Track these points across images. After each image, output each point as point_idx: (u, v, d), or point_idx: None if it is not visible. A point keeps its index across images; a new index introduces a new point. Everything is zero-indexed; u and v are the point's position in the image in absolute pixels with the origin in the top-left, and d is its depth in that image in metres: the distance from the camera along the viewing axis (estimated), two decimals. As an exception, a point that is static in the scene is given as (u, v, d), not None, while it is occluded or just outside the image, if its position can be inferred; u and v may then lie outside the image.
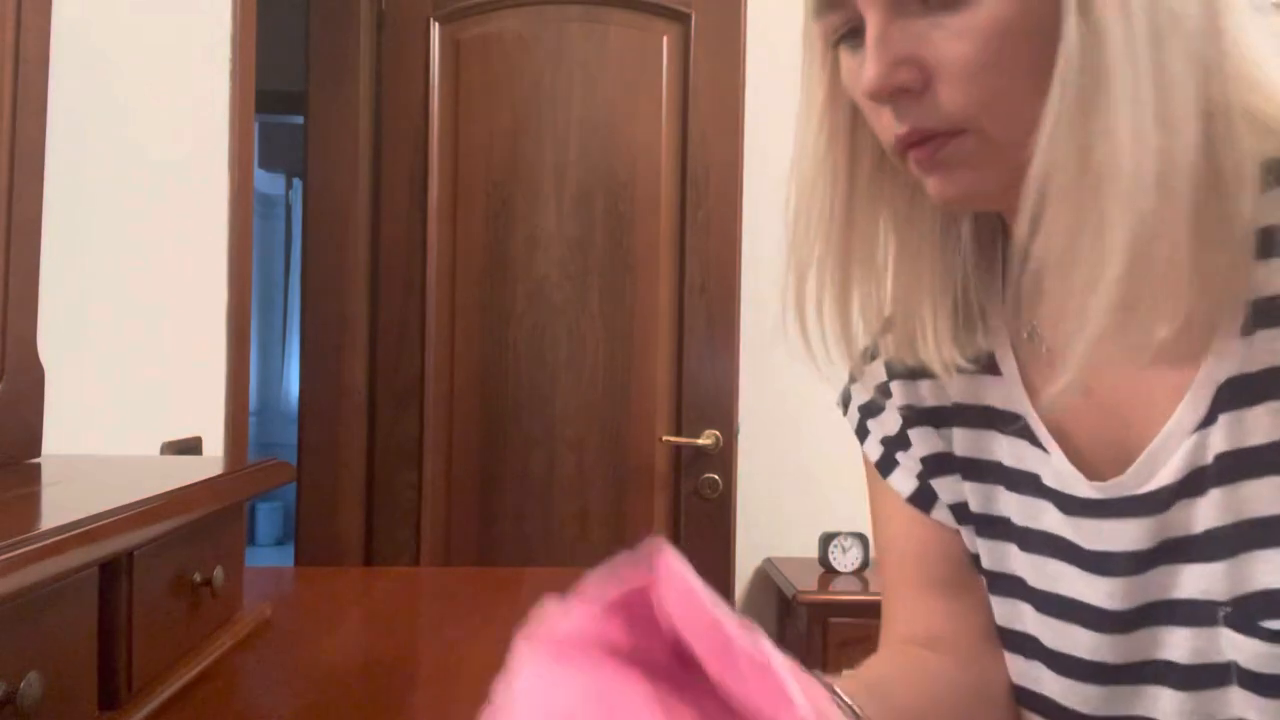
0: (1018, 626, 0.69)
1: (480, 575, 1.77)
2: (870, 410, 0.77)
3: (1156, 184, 0.52)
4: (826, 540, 2.42)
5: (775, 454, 2.56)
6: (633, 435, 2.41)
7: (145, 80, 1.51)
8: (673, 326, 2.42)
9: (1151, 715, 0.63)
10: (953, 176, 0.59)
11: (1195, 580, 0.60)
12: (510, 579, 1.47)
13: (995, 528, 0.70)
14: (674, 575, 0.44)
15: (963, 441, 0.71)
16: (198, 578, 0.96)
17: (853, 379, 0.78)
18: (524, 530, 2.38)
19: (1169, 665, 0.61)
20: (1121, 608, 0.63)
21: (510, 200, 2.40)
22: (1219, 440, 0.58)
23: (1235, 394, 0.57)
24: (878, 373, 0.76)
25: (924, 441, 0.73)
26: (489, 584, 1.52)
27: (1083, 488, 0.64)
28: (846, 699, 0.56)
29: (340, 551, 2.41)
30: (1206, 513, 0.59)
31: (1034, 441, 0.67)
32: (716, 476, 2.41)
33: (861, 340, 0.68)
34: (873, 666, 0.70)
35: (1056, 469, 0.66)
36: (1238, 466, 0.57)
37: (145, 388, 1.50)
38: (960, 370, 0.69)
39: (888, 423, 0.75)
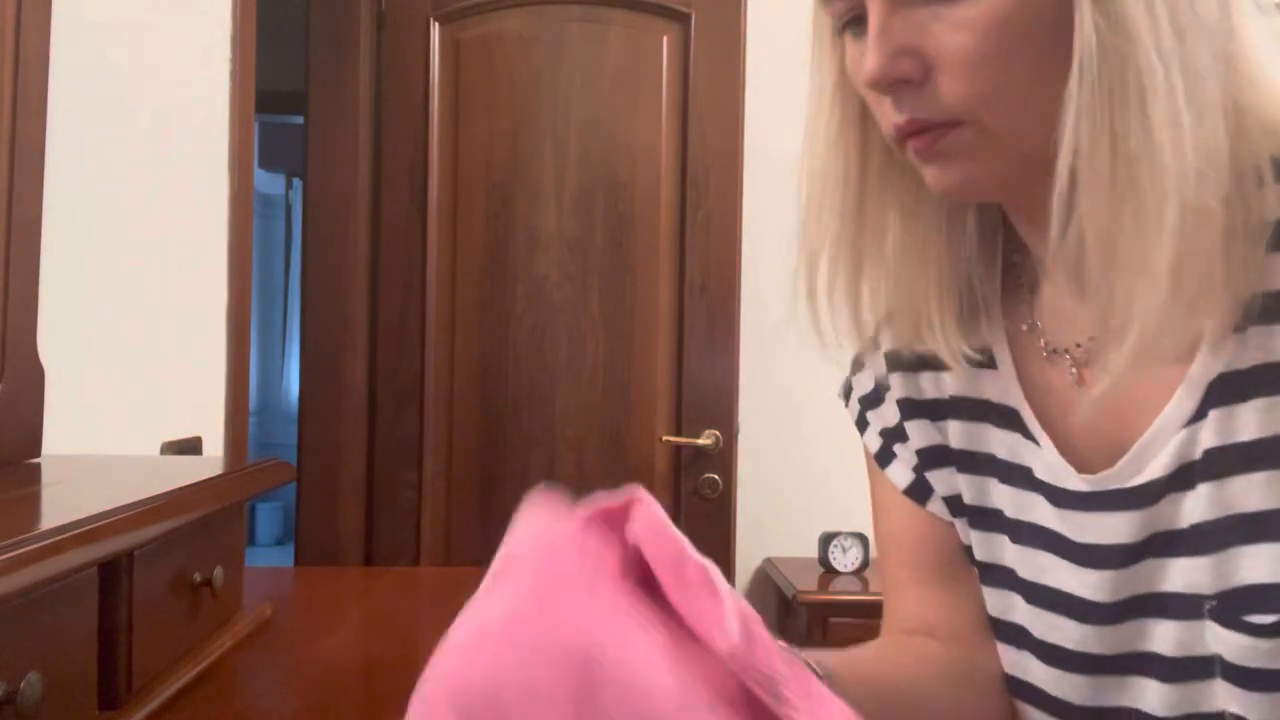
0: (1008, 617, 0.70)
1: (480, 575, 1.77)
2: (870, 402, 0.78)
3: (1198, 174, 0.52)
4: (826, 540, 2.42)
5: (775, 454, 2.56)
6: (633, 435, 2.41)
7: (145, 80, 1.51)
8: (673, 326, 2.42)
9: (1137, 706, 0.63)
10: (950, 167, 0.59)
11: (1182, 574, 0.60)
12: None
13: (988, 520, 0.71)
14: (646, 503, 0.47)
15: (958, 434, 0.72)
16: (198, 578, 0.96)
17: (856, 369, 0.79)
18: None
19: (1155, 657, 0.62)
20: (1109, 600, 0.63)
21: (510, 200, 2.40)
22: (1209, 435, 0.58)
23: (1226, 390, 0.58)
24: (878, 365, 0.76)
25: (921, 434, 0.74)
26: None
27: (1073, 481, 0.65)
28: (803, 658, 0.55)
29: (340, 551, 2.41)
30: (1194, 507, 0.59)
31: (1027, 434, 0.68)
32: (716, 476, 2.41)
33: (871, 327, 0.69)
34: (861, 648, 0.71)
35: (1048, 462, 0.66)
36: (1226, 462, 0.57)
37: (145, 388, 1.50)
38: (957, 365, 0.70)
39: (886, 415, 0.76)
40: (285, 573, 1.93)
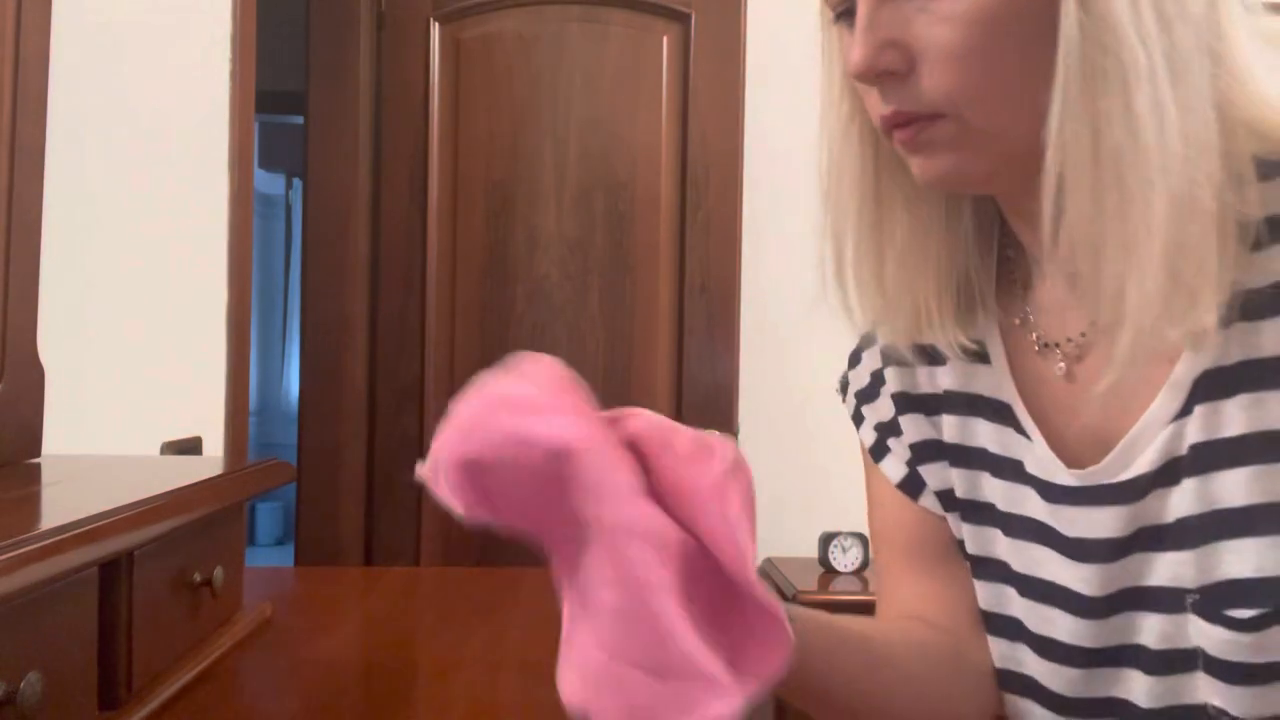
0: (1002, 610, 0.71)
1: (480, 575, 1.77)
2: (866, 396, 0.78)
3: (1186, 163, 0.53)
4: (826, 540, 2.42)
5: (775, 454, 2.56)
6: (633, 435, 2.41)
7: (145, 80, 1.51)
8: (673, 326, 2.42)
9: (1124, 698, 0.64)
10: (934, 159, 0.60)
11: (1166, 568, 0.61)
12: (510, 579, 1.47)
13: (980, 513, 0.72)
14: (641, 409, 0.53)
15: (951, 428, 0.73)
16: (198, 578, 0.96)
17: (853, 364, 0.80)
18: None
19: (1141, 650, 0.63)
20: (1097, 593, 0.64)
21: (510, 200, 2.40)
22: (1194, 431, 0.59)
23: (1212, 386, 0.58)
24: (874, 359, 0.77)
25: (914, 428, 0.75)
26: (489, 584, 1.52)
27: (1062, 475, 0.65)
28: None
29: (340, 551, 2.41)
30: (1180, 502, 0.60)
31: (1019, 429, 0.68)
32: (716, 476, 2.41)
33: (895, 309, 0.69)
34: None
35: (1039, 456, 0.67)
36: (1211, 457, 0.58)
37: (145, 388, 1.50)
38: (955, 357, 0.71)
39: (881, 409, 0.77)
40: (285, 573, 1.93)
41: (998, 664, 0.71)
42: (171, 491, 0.87)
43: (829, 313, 0.70)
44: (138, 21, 1.49)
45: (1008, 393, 0.69)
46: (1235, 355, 0.57)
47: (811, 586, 2.31)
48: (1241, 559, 0.57)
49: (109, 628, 0.81)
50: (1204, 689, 0.60)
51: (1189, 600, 0.59)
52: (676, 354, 2.42)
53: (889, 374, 0.76)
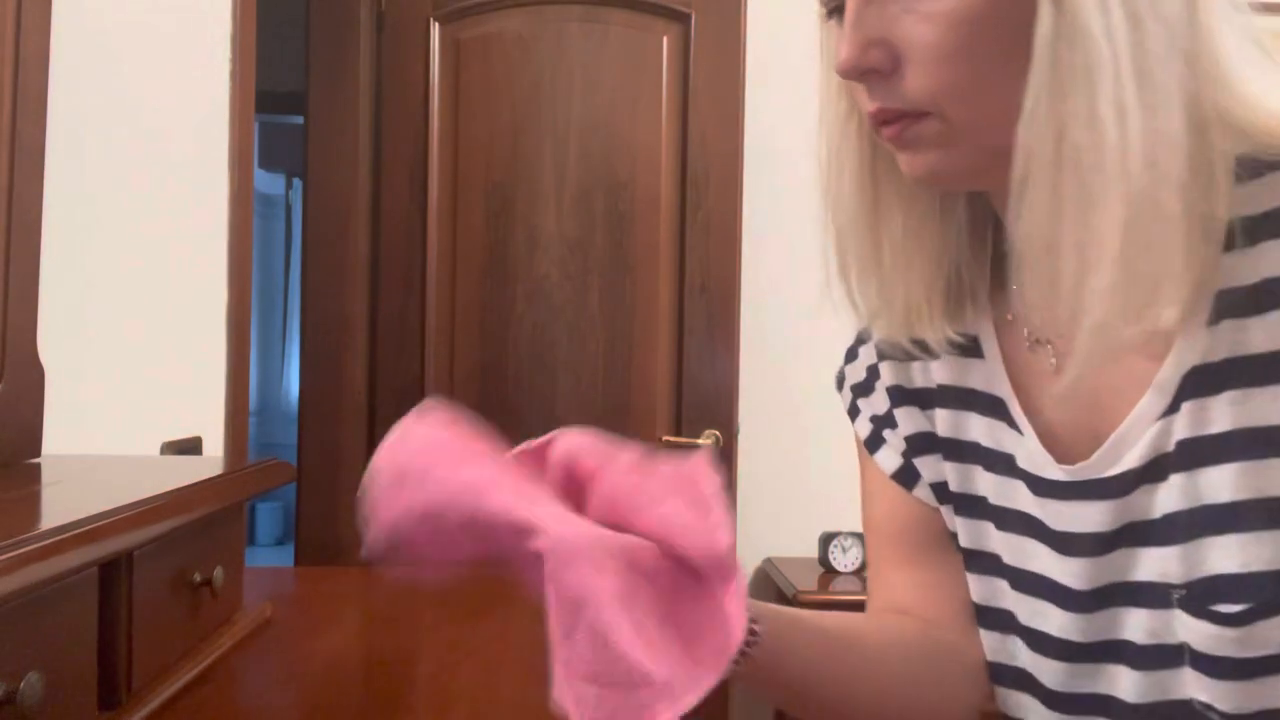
0: (996, 603, 0.71)
1: (480, 575, 1.77)
2: (862, 390, 0.79)
3: (1148, 165, 0.53)
4: (826, 540, 2.42)
5: (775, 454, 2.56)
6: (633, 435, 2.39)
7: (145, 80, 1.52)
8: (673, 326, 2.42)
9: (1111, 693, 0.64)
10: (919, 156, 0.61)
11: (1153, 563, 0.61)
12: (510, 579, 1.47)
13: (973, 507, 0.72)
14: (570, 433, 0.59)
15: (944, 422, 0.73)
16: (198, 578, 0.96)
17: (850, 359, 0.81)
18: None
19: (1127, 645, 0.63)
20: (1085, 587, 0.64)
21: (510, 200, 2.40)
22: (1182, 428, 0.59)
23: (1199, 383, 0.58)
24: (870, 354, 0.78)
25: (909, 421, 0.75)
26: (489, 584, 1.52)
27: (1052, 470, 0.66)
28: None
29: (340, 551, 2.41)
30: (1167, 498, 0.60)
31: (1011, 423, 0.69)
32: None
33: (895, 305, 0.70)
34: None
35: (1029, 450, 0.67)
36: (1197, 453, 0.58)
37: (145, 388, 1.51)
38: (947, 351, 0.72)
39: (877, 402, 0.78)
40: (285, 573, 1.93)
41: (991, 657, 0.72)
42: (171, 491, 0.87)
43: (832, 309, 0.71)
44: (138, 21, 1.49)
45: (1001, 387, 0.69)
46: (1222, 352, 0.58)
47: (811, 586, 2.31)
48: (1227, 554, 0.57)
49: (109, 628, 0.81)
50: (1190, 684, 0.60)
51: (1175, 595, 0.60)
52: (676, 354, 2.42)
53: (884, 368, 0.77)
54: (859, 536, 2.41)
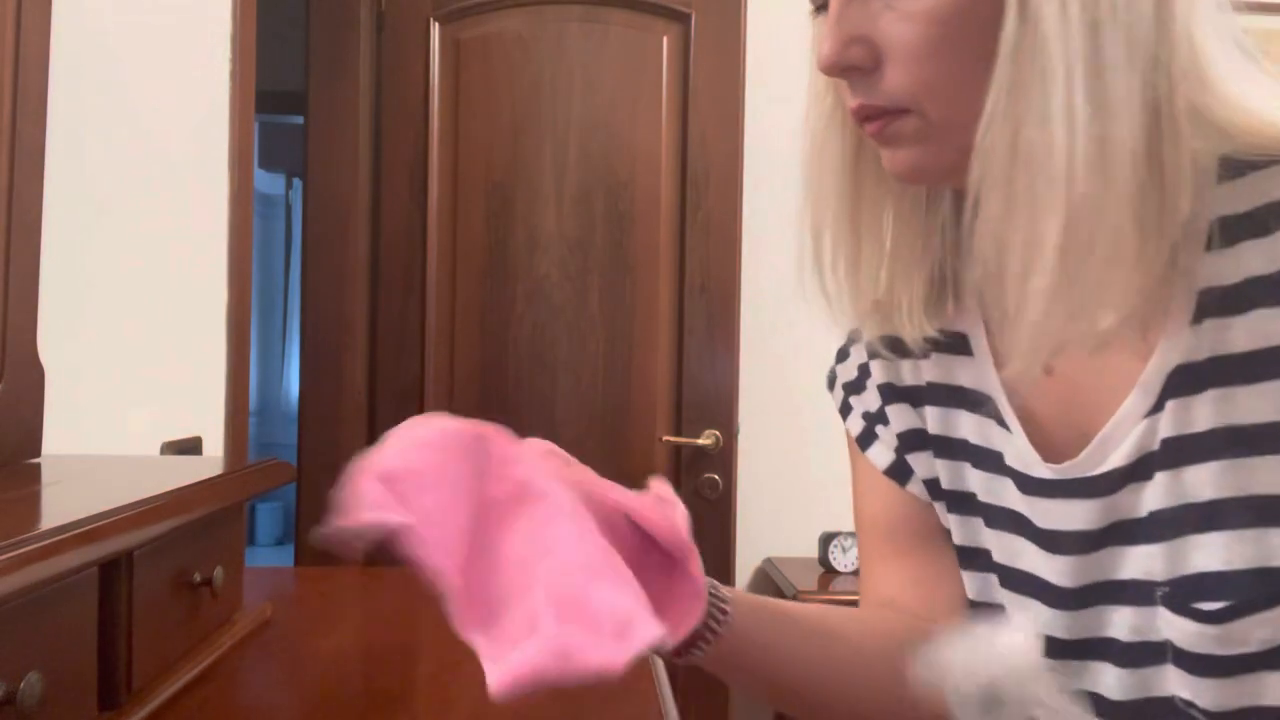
0: (988, 600, 0.72)
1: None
2: (853, 388, 0.80)
3: (1092, 168, 0.54)
4: (826, 540, 2.42)
5: (775, 454, 2.56)
6: (633, 435, 2.41)
7: (145, 80, 1.52)
8: (673, 326, 2.42)
9: (1096, 690, 0.65)
10: (899, 153, 0.62)
11: (1137, 561, 0.62)
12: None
13: (964, 504, 0.72)
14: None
15: (934, 420, 0.74)
16: (198, 578, 0.96)
17: (841, 359, 0.81)
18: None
19: (1112, 643, 0.64)
20: (1071, 585, 0.65)
21: (510, 200, 2.40)
22: (1166, 426, 0.60)
23: (1183, 381, 0.59)
24: (861, 353, 0.79)
25: (901, 418, 0.76)
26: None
27: (1039, 468, 0.66)
28: (717, 589, 0.62)
29: (340, 551, 2.41)
30: (1152, 496, 0.61)
31: (1000, 421, 0.69)
32: (716, 476, 2.41)
33: (868, 303, 0.70)
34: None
35: (1018, 448, 0.68)
36: (1181, 452, 0.59)
37: (145, 388, 1.51)
38: (936, 349, 0.72)
39: (868, 400, 0.78)
40: (285, 573, 1.93)
41: None
42: (171, 491, 0.87)
43: (808, 305, 0.71)
44: (138, 22, 1.49)
45: (990, 385, 0.70)
46: (1205, 351, 0.58)
47: (811, 586, 2.31)
48: (1210, 552, 0.58)
49: (109, 628, 0.81)
50: (1173, 682, 0.60)
51: (1159, 593, 0.60)
52: (676, 354, 2.42)
53: (874, 366, 0.77)
54: (859, 536, 2.40)
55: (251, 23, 1.76)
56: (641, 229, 2.41)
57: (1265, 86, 0.58)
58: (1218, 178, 0.58)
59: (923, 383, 0.74)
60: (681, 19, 2.41)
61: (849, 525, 2.40)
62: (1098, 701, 0.65)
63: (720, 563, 2.42)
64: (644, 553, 0.56)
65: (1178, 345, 0.59)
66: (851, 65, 0.60)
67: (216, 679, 0.97)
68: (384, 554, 0.55)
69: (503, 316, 2.40)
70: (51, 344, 1.10)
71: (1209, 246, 0.58)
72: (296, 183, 6.08)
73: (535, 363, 2.39)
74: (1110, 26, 0.54)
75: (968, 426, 0.71)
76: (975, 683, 0.54)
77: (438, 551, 0.50)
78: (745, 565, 2.55)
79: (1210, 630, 0.58)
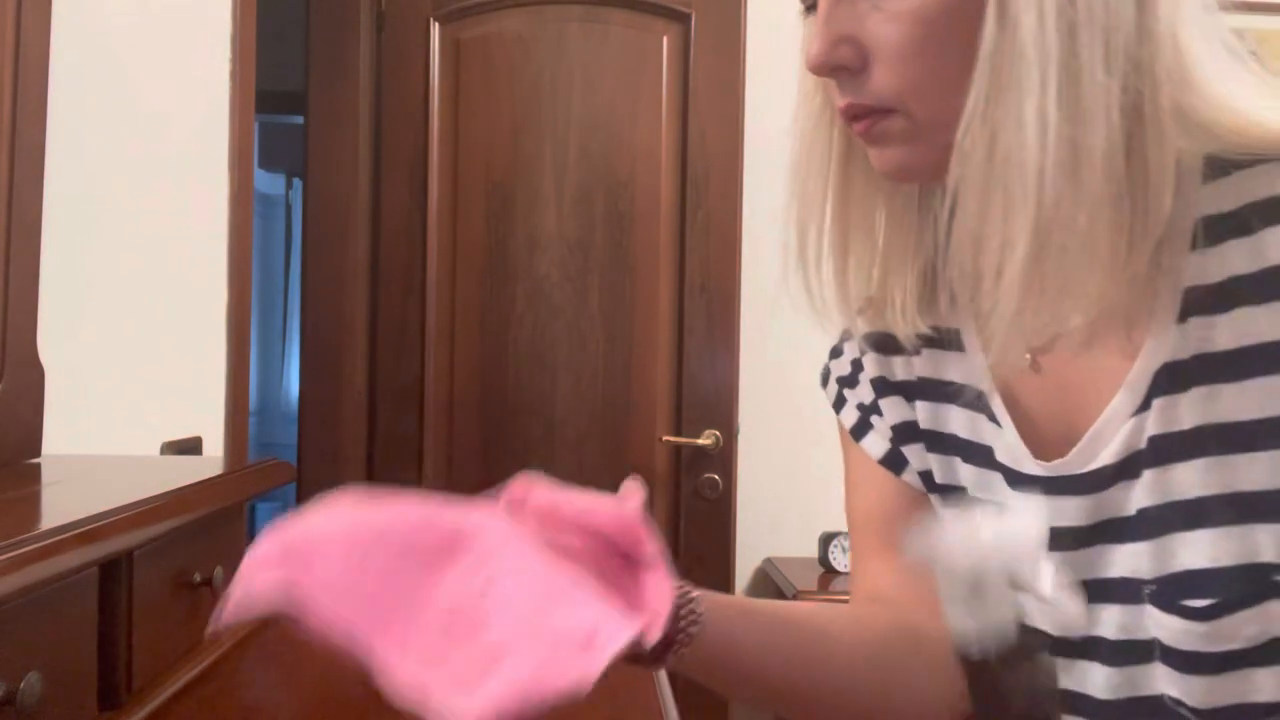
0: None
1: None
2: (847, 382, 0.80)
3: (1063, 171, 0.54)
4: (826, 540, 2.42)
5: (775, 454, 2.56)
6: (633, 435, 2.41)
7: (145, 80, 1.52)
8: (673, 326, 2.42)
9: (1083, 689, 0.65)
10: (886, 152, 0.62)
11: (1125, 559, 0.62)
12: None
13: (957, 499, 0.73)
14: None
15: (925, 415, 0.74)
16: (198, 578, 0.96)
17: (834, 356, 0.81)
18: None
19: (1100, 641, 0.64)
20: None
21: (510, 200, 2.40)
22: (1153, 424, 0.60)
23: (1169, 380, 0.59)
24: (853, 349, 0.79)
25: (894, 410, 0.76)
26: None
27: (1029, 465, 0.66)
28: (688, 590, 0.61)
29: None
30: (1139, 494, 0.61)
31: (991, 416, 0.69)
32: (716, 476, 2.41)
33: (858, 302, 0.71)
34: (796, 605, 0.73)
35: (1008, 444, 0.68)
36: (1168, 449, 0.59)
37: (145, 388, 1.51)
38: (928, 345, 0.72)
39: (862, 393, 0.78)
40: (285, 573, 1.92)
41: None
42: (171, 491, 0.87)
43: (791, 303, 0.71)
44: (138, 22, 1.49)
45: (982, 380, 0.70)
46: (1191, 349, 0.59)
47: (812, 586, 2.31)
48: (1196, 550, 0.58)
49: (109, 628, 0.81)
50: (1161, 679, 0.61)
51: (1146, 591, 0.61)
52: (676, 354, 2.42)
53: (867, 361, 0.77)
54: (859, 536, 2.40)
55: (251, 23, 1.76)
56: (641, 229, 2.41)
57: (1250, 86, 0.58)
58: (1203, 177, 0.59)
59: (914, 378, 0.75)
60: (681, 19, 2.41)
61: (849, 525, 2.41)
62: (1085, 701, 0.65)
63: (720, 563, 2.42)
64: (610, 558, 0.55)
65: (1163, 344, 0.60)
66: (839, 65, 0.60)
67: (216, 679, 0.97)
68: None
69: (503, 316, 2.40)
70: (51, 344, 1.10)
71: (1194, 246, 0.58)
72: (296, 183, 6.07)
73: (535, 363, 2.39)
74: (1087, 30, 0.54)
75: (958, 421, 0.72)
76: (966, 563, 0.53)
77: (341, 610, 0.49)
78: (745, 565, 2.55)
79: (1197, 627, 0.58)
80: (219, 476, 0.99)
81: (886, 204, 0.68)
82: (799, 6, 0.66)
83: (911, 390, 0.75)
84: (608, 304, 2.40)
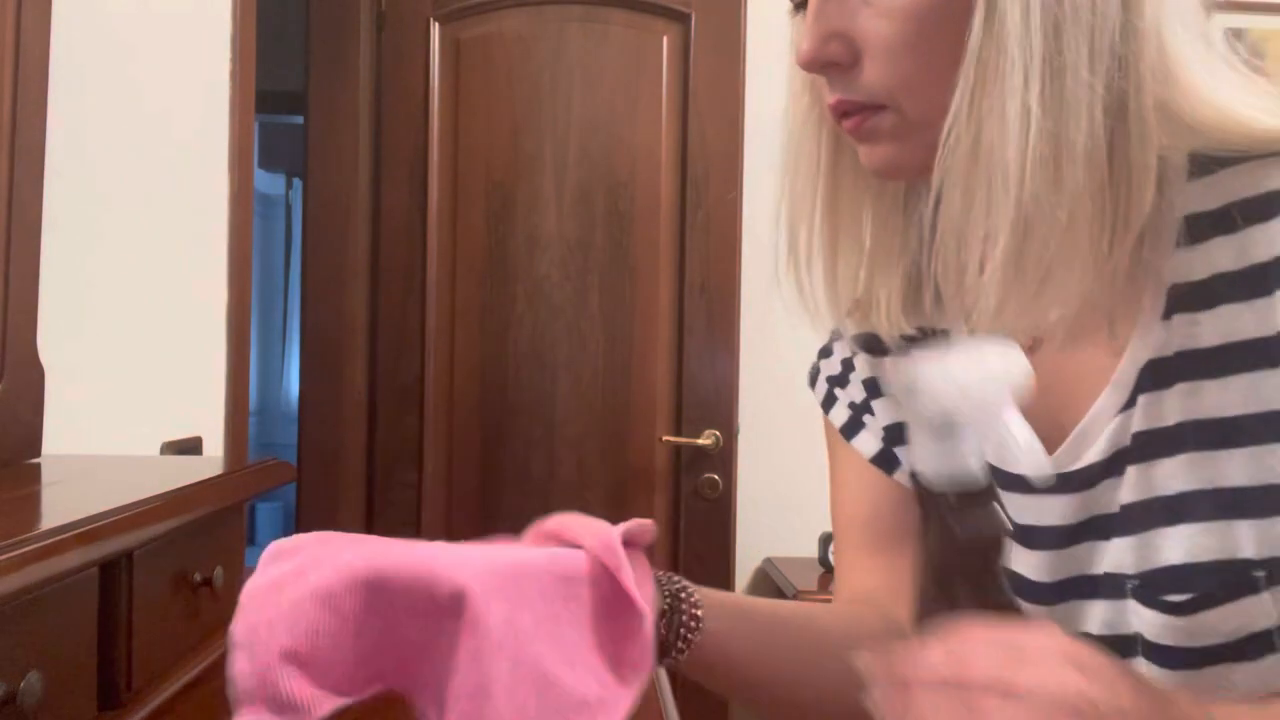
0: None
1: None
2: (838, 381, 0.80)
3: (1045, 166, 0.54)
4: (826, 540, 2.42)
5: (775, 454, 2.56)
6: (633, 435, 2.41)
7: (145, 80, 1.52)
8: (673, 326, 2.42)
9: None
10: (876, 148, 0.62)
11: (1110, 555, 0.62)
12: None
13: None
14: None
15: None
16: (198, 578, 0.96)
17: (824, 356, 0.82)
18: (524, 530, 2.37)
19: (1085, 637, 0.64)
20: (1048, 580, 0.65)
21: (510, 200, 2.40)
22: (1138, 421, 0.60)
23: (1154, 376, 0.60)
24: (844, 348, 0.80)
25: (885, 411, 0.76)
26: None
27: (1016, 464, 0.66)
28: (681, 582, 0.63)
29: None
30: (1125, 491, 0.61)
31: None
32: (716, 476, 2.41)
33: (848, 303, 0.71)
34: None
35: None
36: (1152, 445, 0.60)
37: (145, 388, 1.51)
38: (916, 347, 0.72)
39: (853, 392, 0.79)
40: (285, 573, 1.92)
41: None
42: (171, 491, 0.87)
43: (784, 303, 0.71)
44: (138, 21, 1.49)
45: None
46: (1175, 346, 0.59)
47: (812, 586, 2.31)
48: (1177, 545, 0.58)
49: (109, 628, 0.81)
50: (1143, 674, 0.60)
51: (1129, 586, 0.61)
52: (676, 354, 2.42)
53: (859, 361, 0.78)
54: (859, 536, 2.40)
55: (251, 23, 1.76)
56: (641, 229, 2.41)
57: (1234, 84, 0.58)
58: (1188, 175, 0.59)
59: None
60: (681, 19, 2.41)
61: (849, 525, 2.41)
62: None
63: (720, 563, 2.42)
64: (601, 577, 0.56)
65: (1149, 341, 0.60)
66: (830, 61, 0.60)
67: (216, 679, 0.97)
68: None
69: (503, 316, 2.40)
70: (51, 344, 1.10)
71: (1179, 243, 0.59)
72: (296, 183, 6.07)
73: (535, 363, 2.39)
74: (1072, 27, 0.54)
75: None
76: (938, 401, 0.53)
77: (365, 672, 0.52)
78: (745, 565, 2.55)
79: (1178, 622, 0.58)
80: (219, 476, 0.99)
81: (873, 204, 0.69)
82: (789, 5, 0.66)
83: None
84: (608, 304, 2.40)
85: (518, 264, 2.40)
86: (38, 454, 1.06)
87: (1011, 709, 0.43)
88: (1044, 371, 0.65)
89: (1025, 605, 0.66)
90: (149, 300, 1.52)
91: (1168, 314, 0.59)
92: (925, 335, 0.71)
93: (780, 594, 2.41)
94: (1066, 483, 0.64)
